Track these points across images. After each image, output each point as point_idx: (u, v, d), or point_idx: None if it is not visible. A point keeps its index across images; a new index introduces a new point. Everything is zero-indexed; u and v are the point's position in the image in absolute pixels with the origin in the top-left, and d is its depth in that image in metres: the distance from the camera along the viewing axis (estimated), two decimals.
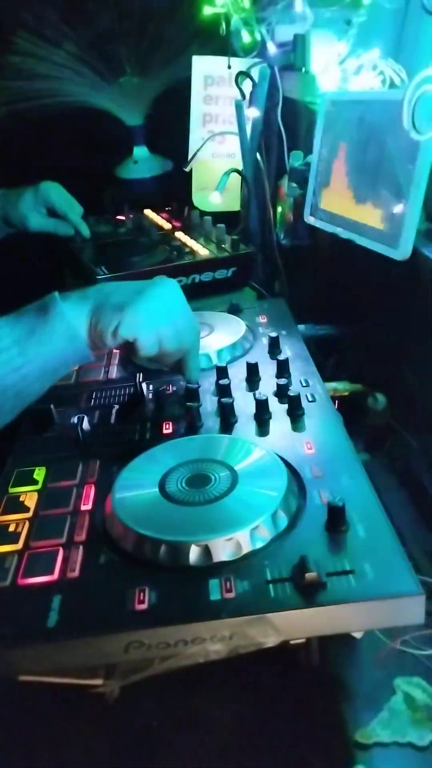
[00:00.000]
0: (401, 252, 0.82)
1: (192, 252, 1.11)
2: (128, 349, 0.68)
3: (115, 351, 0.90)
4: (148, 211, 1.39)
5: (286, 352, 0.82)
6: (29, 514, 0.59)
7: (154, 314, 0.66)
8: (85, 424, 0.70)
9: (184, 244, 1.15)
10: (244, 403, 0.72)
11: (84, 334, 0.64)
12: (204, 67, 1.29)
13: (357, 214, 0.91)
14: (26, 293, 0.68)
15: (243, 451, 0.62)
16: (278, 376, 0.76)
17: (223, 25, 1.16)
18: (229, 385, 0.74)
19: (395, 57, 0.89)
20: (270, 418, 0.69)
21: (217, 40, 1.21)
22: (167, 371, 0.80)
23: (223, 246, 1.12)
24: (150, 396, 0.77)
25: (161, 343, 0.68)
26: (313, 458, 0.62)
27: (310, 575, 0.47)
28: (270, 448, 0.62)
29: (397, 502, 0.76)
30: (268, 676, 0.55)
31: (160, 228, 1.28)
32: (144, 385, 0.77)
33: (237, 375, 0.78)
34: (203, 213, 1.26)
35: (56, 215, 1.18)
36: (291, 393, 0.69)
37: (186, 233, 1.21)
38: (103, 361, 0.88)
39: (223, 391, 0.73)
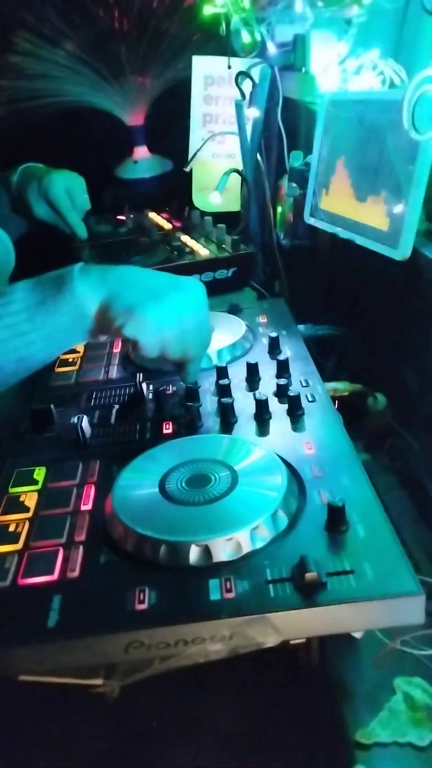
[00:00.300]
0: (401, 252, 0.82)
1: (192, 252, 1.11)
2: (130, 344, 0.68)
3: (115, 351, 0.90)
4: (148, 211, 1.39)
5: (286, 352, 0.82)
6: (29, 514, 0.59)
7: (162, 320, 0.65)
8: (85, 424, 0.70)
9: (185, 244, 1.15)
10: (244, 403, 0.72)
11: (91, 317, 0.64)
12: (204, 67, 1.29)
13: (357, 214, 0.92)
14: None
15: (243, 451, 0.62)
16: (278, 376, 0.76)
17: (223, 25, 1.16)
18: (229, 385, 0.74)
19: (395, 57, 0.89)
20: (270, 418, 0.69)
21: (217, 40, 1.21)
22: (167, 371, 0.80)
23: (223, 246, 1.12)
24: (150, 396, 0.77)
25: (164, 348, 0.67)
26: (313, 458, 0.62)
27: (310, 575, 0.47)
28: (270, 448, 0.62)
29: (397, 502, 0.76)
30: (268, 676, 0.55)
31: (161, 228, 1.28)
32: (144, 385, 0.77)
33: (237, 375, 0.78)
34: (203, 213, 1.26)
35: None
36: (291, 393, 0.69)
37: (186, 233, 1.21)
38: (103, 361, 0.88)
39: (223, 391, 0.73)
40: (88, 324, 0.64)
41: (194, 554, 0.51)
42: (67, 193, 1.15)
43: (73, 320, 0.63)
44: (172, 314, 0.66)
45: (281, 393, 0.72)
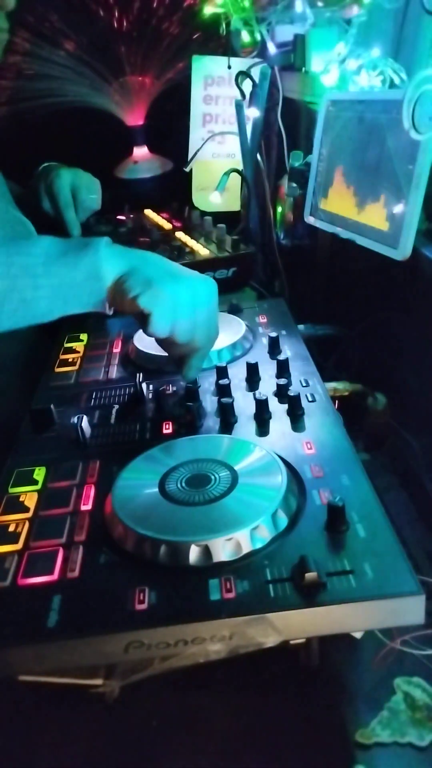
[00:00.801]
0: (401, 252, 0.82)
1: (192, 252, 1.11)
2: (140, 321, 0.68)
3: (115, 351, 0.90)
4: (148, 211, 1.39)
5: (286, 352, 0.82)
6: (29, 514, 0.59)
7: (178, 299, 0.66)
8: (85, 424, 0.70)
9: (185, 244, 1.15)
10: (244, 403, 0.72)
11: (107, 282, 0.65)
12: (204, 67, 1.29)
13: (357, 214, 0.92)
14: None
15: (243, 451, 0.62)
16: (278, 376, 0.76)
17: (223, 25, 1.16)
18: (229, 385, 0.74)
19: (395, 57, 0.89)
20: (270, 418, 0.69)
21: (217, 40, 1.22)
22: (167, 369, 0.80)
23: (223, 246, 1.12)
24: (150, 396, 0.77)
25: (173, 330, 0.67)
26: (313, 458, 0.62)
27: (310, 575, 0.47)
28: (270, 448, 0.62)
29: (397, 502, 0.76)
30: (268, 676, 0.55)
31: (161, 228, 1.28)
32: (144, 385, 0.77)
33: (237, 375, 0.78)
34: (203, 213, 1.26)
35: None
36: (291, 393, 0.69)
37: (186, 233, 1.21)
38: (103, 361, 0.88)
39: (223, 391, 0.73)
40: (101, 288, 0.65)
41: (194, 554, 0.51)
42: (73, 190, 1.15)
43: (87, 279, 0.64)
44: (188, 296, 0.67)
45: (281, 393, 0.72)
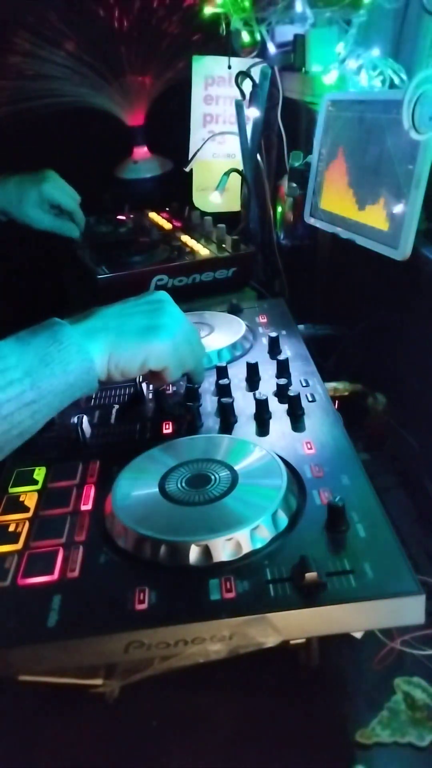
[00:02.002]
0: (401, 252, 0.82)
1: (192, 252, 1.11)
2: (152, 377, 0.67)
3: None
4: (148, 211, 1.39)
5: (286, 352, 0.82)
6: (29, 514, 0.59)
7: (176, 341, 0.65)
8: (85, 424, 0.70)
9: (185, 244, 1.15)
10: (244, 403, 0.72)
11: (101, 367, 0.61)
12: (204, 67, 1.29)
13: (357, 214, 0.92)
14: (26, 294, 0.67)
15: (243, 451, 0.62)
16: (278, 376, 0.76)
17: (223, 25, 1.16)
18: (229, 385, 0.74)
19: (395, 57, 0.89)
20: (270, 418, 0.69)
21: (217, 40, 1.21)
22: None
23: (223, 246, 1.12)
24: (150, 396, 0.77)
25: (184, 366, 0.67)
26: (313, 458, 0.62)
27: (310, 575, 0.47)
28: (270, 448, 0.62)
29: (397, 502, 0.76)
30: (268, 676, 0.55)
31: (161, 228, 1.28)
32: (144, 385, 0.77)
33: (237, 375, 0.78)
34: (203, 213, 1.26)
35: (61, 212, 1.17)
36: (291, 393, 0.69)
37: (186, 233, 1.21)
38: None
39: (223, 391, 0.73)
40: (96, 374, 0.60)
41: (194, 554, 0.51)
42: (62, 190, 1.15)
43: (83, 374, 0.58)
44: (176, 329, 0.66)
45: (281, 393, 0.72)
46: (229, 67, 1.24)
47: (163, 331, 0.64)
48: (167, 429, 0.70)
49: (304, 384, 0.75)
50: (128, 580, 0.50)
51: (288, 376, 0.76)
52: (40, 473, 0.65)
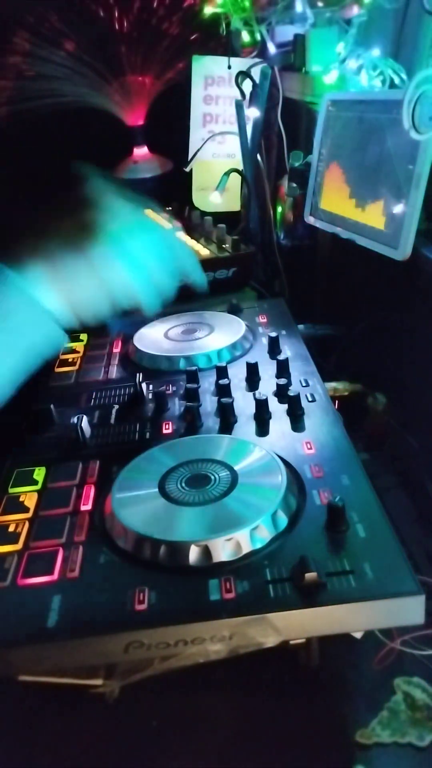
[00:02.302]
0: (401, 252, 0.82)
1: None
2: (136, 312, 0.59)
3: (115, 351, 0.90)
4: (148, 211, 1.39)
5: (286, 352, 0.82)
6: (29, 514, 0.59)
7: (137, 269, 0.55)
8: (85, 424, 0.70)
9: None
10: (244, 403, 0.72)
11: (59, 313, 0.54)
12: (204, 67, 1.29)
13: (357, 214, 0.92)
14: None
15: (243, 451, 0.62)
16: (278, 376, 0.76)
17: (223, 25, 1.16)
18: (229, 385, 0.74)
19: (395, 57, 0.89)
20: (270, 418, 0.69)
21: (217, 40, 1.21)
22: (167, 371, 0.80)
23: (223, 246, 1.12)
24: (150, 396, 0.77)
25: (163, 292, 0.59)
26: (313, 458, 0.62)
27: (309, 575, 0.47)
28: (270, 448, 0.62)
29: (397, 502, 0.76)
30: (268, 676, 0.55)
31: None
32: (144, 385, 0.77)
33: (237, 375, 0.78)
34: (203, 213, 1.26)
35: None
36: (291, 393, 0.69)
37: (186, 233, 1.21)
38: (103, 361, 0.88)
39: (223, 391, 0.73)
40: (57, 325, 0.54)
41: (194, 554, 0.51)
42: None
43: (36, 327, 0.52)
44: (137, 254, 0.57)
45: (281, 393, 0.72)
46: (229, 67, 1.24)
47: (120, 263, 0.54)
48: (167, 429, 0.70)
49: (304, 384, 0.75)
50: (128, 580, 0.50)
51: (288, 376, 0.76)
52: (40, 473, 0.65)
